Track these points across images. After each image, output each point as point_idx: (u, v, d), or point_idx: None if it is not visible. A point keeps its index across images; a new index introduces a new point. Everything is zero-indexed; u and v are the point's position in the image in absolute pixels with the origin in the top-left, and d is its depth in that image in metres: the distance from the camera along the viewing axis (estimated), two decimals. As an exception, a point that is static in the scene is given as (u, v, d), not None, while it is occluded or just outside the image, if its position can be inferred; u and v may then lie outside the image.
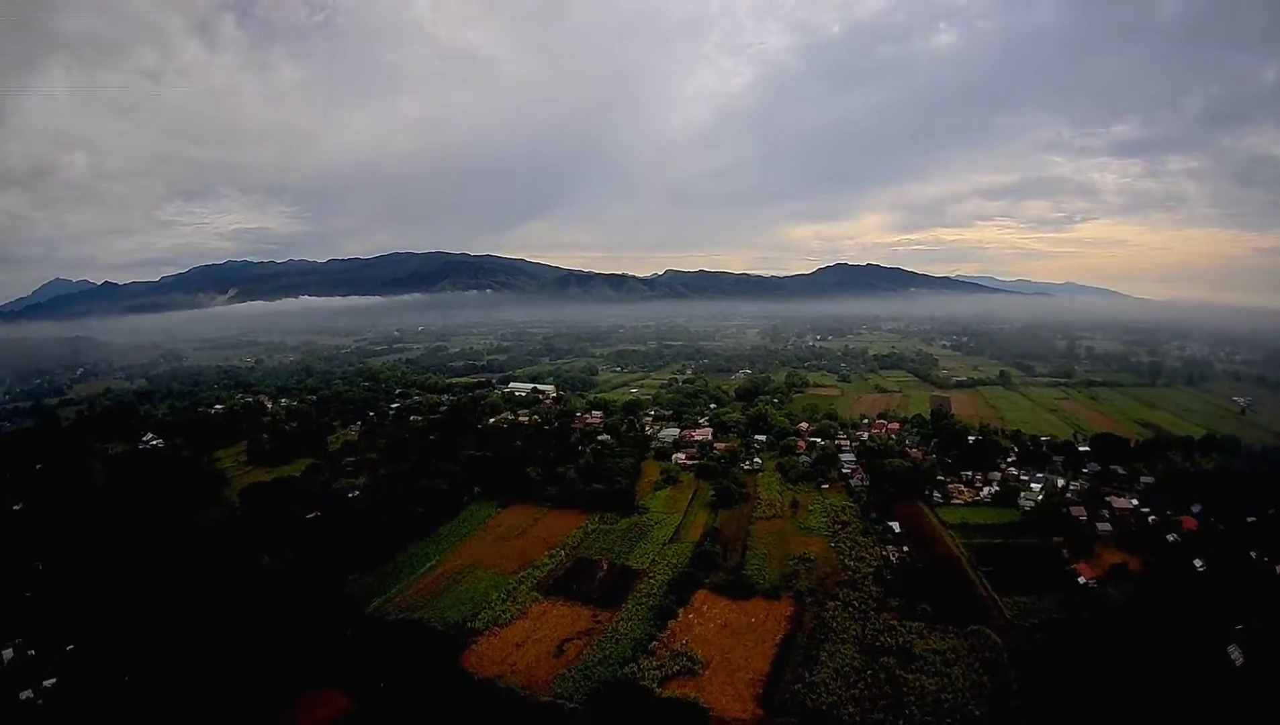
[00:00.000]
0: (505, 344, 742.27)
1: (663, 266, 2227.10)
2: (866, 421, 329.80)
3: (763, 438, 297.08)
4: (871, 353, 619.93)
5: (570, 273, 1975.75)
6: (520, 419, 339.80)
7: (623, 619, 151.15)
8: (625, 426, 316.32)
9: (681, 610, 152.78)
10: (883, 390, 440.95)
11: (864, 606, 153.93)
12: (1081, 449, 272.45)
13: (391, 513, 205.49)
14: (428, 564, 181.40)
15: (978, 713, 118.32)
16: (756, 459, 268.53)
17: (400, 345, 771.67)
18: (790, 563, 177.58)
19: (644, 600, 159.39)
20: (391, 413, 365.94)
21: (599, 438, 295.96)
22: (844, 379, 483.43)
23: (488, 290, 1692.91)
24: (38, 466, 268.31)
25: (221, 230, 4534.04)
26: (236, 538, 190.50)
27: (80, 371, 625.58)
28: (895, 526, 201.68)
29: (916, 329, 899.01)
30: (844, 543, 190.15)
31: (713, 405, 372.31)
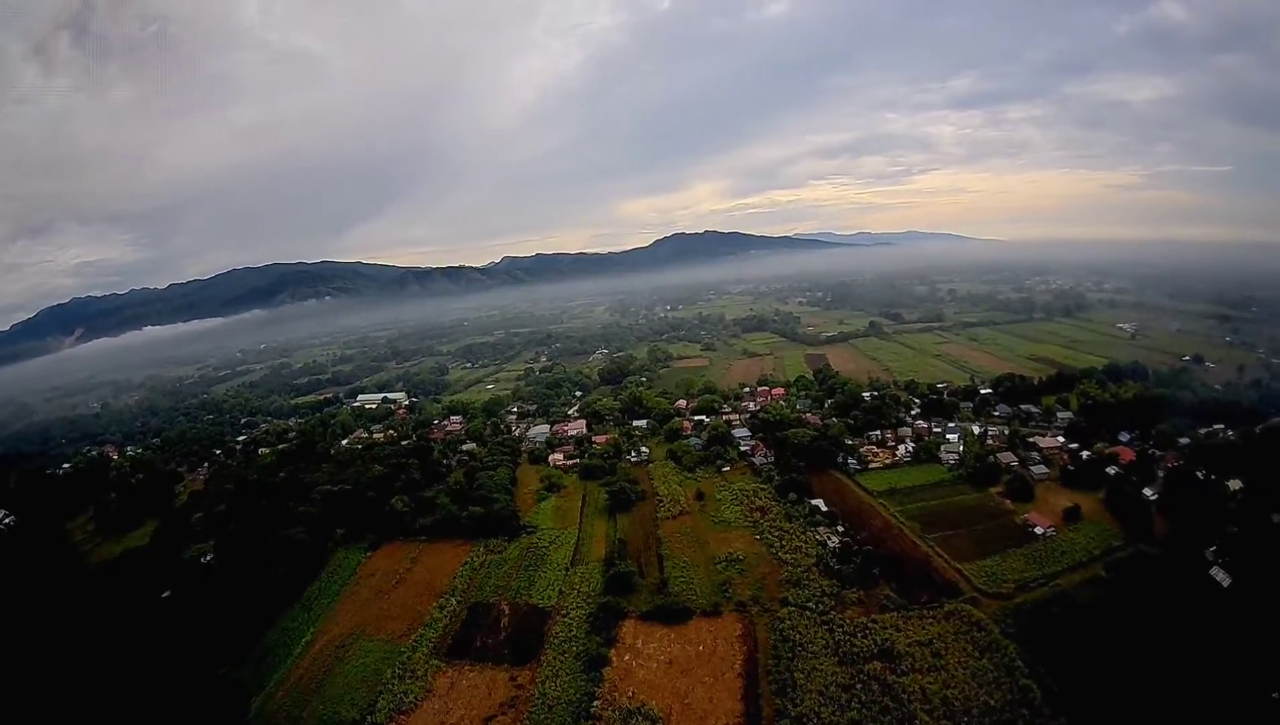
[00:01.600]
0: (349, 352, 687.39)
1: (499, 254, 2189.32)
2: (748, 390, 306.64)
3: (642, 423, 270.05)
4: (730, 317, 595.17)
5: (408, 271, 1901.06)
6: (375, 436, 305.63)
7: (547, 677, 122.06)
8: (489, 430, 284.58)
9: (613, 652, 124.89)
10: (752, 354, 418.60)
11: (820, 606, 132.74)
12: (984, 392, 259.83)
13: (251, 579, 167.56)
14: (303, 640, 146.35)
15: (993, 702, 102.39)
16: (643, 448, 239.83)
17: (244, 367, 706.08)
18: (718, 568, 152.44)
19: (565, 648, 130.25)
20: (239, 447, 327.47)
21: (464, 448, 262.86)
22: (709, 347, 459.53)
23: (326, 297, 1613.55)
24: None
25: (64, 266, 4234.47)
26: (91, 635, 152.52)
27: None
28: (820, 504, 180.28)
29: (768, 289, 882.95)
30: (769, 533, 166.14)
31: (578, 393, 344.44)
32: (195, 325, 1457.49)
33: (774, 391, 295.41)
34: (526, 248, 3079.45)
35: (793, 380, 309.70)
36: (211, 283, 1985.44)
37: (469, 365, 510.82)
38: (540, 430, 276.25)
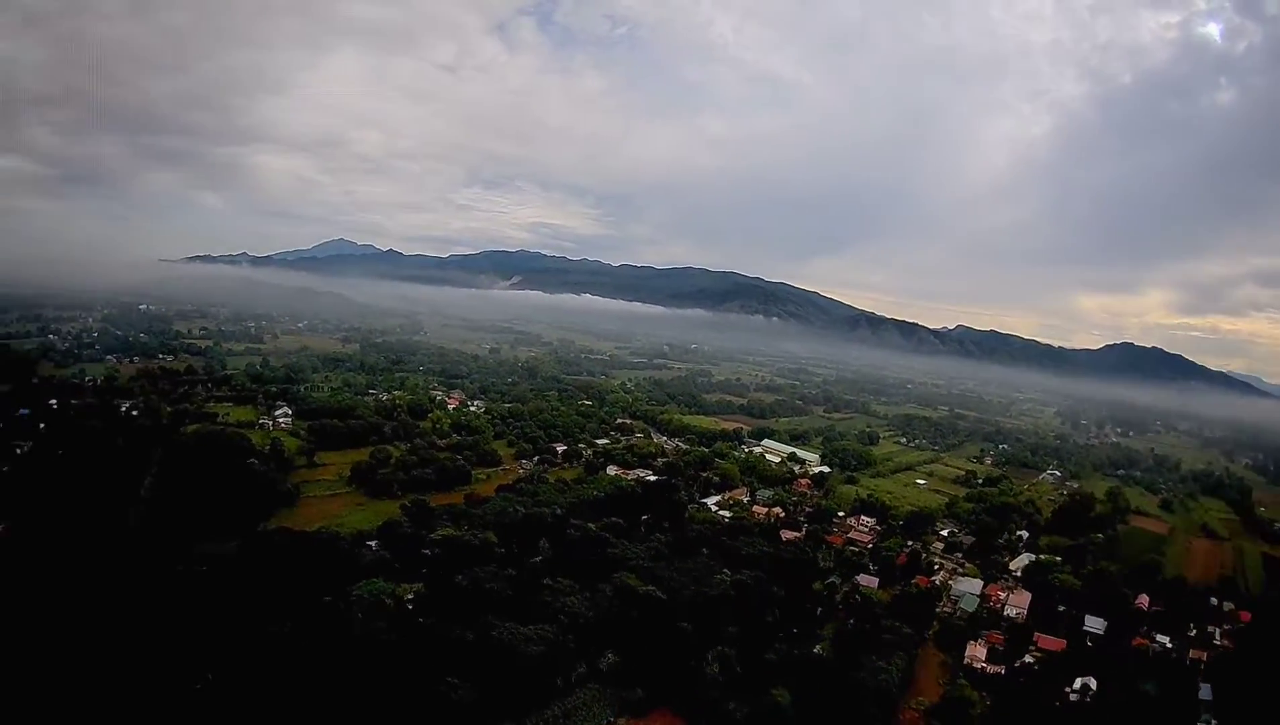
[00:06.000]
0: (778, 381, 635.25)
1: (954, 320, 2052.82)
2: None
3: (1100, 622, 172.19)
4: (1185, 467, 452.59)
5: (862, 314, 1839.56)
6: (756, 509, 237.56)
7: None
8: (902, 556, 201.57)
9: None
10: (1212, 534, 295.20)
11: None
12: None
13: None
14: None
15: None
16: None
17: (661, 361, 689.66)
18: None
19: None
20: (584, 454, 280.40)
21: (859, 586, 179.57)
22: (1166, 505, 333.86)
23: (775, 318, 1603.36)
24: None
25: (519, 221, 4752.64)
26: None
27: (303, 323, 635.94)
28: None
29: (1211, 436, 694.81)
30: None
31: (1024, 533, 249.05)
32: (636, 307, 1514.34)
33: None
34: (981, 321, 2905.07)
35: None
36: (664, 273, 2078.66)
37: (902, 441, 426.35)
38: (969, 587, 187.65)
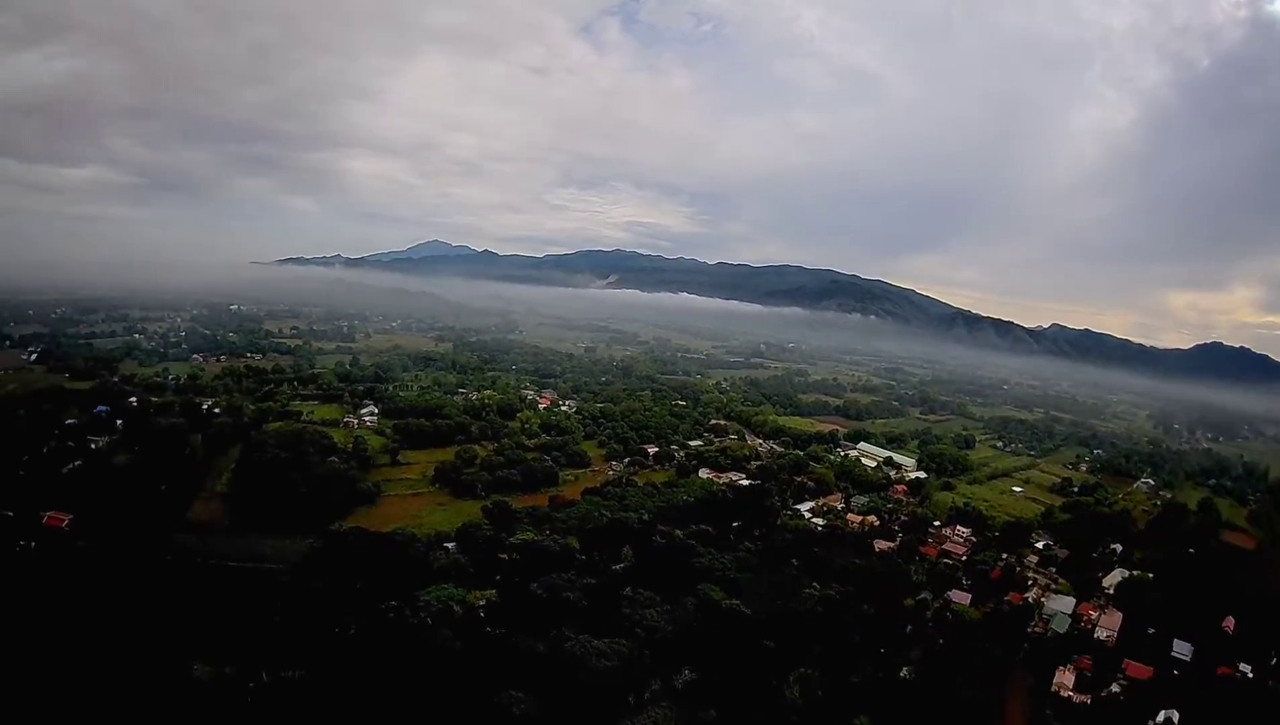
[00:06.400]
0: (875, 381, 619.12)
1: (1046, 318, 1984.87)
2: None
3: (1187, 647, 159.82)
4: (1272, 475, 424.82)
5: (958, 312, 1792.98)
6: (850, 516, 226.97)
7: None
8: (996, 571, 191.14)
9: None
10: None
11: None
12: None
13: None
14: None
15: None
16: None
17: (758, 360, 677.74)
18: None
19: None
20: (675, 454, 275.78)
21: (951, 602, 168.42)
22: (1255, 519, 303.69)
23: (872, 317, 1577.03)
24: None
25: (614, 220, 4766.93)
26: None
27: (396, 323, 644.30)
28: None
29: None
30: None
31: (1118, 546, 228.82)
32: (732, 305, 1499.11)
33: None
34: (1074, 319, 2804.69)
35: None
36: (760, 271, 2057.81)
37: (999, 444, 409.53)
38: (1061, 606, 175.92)
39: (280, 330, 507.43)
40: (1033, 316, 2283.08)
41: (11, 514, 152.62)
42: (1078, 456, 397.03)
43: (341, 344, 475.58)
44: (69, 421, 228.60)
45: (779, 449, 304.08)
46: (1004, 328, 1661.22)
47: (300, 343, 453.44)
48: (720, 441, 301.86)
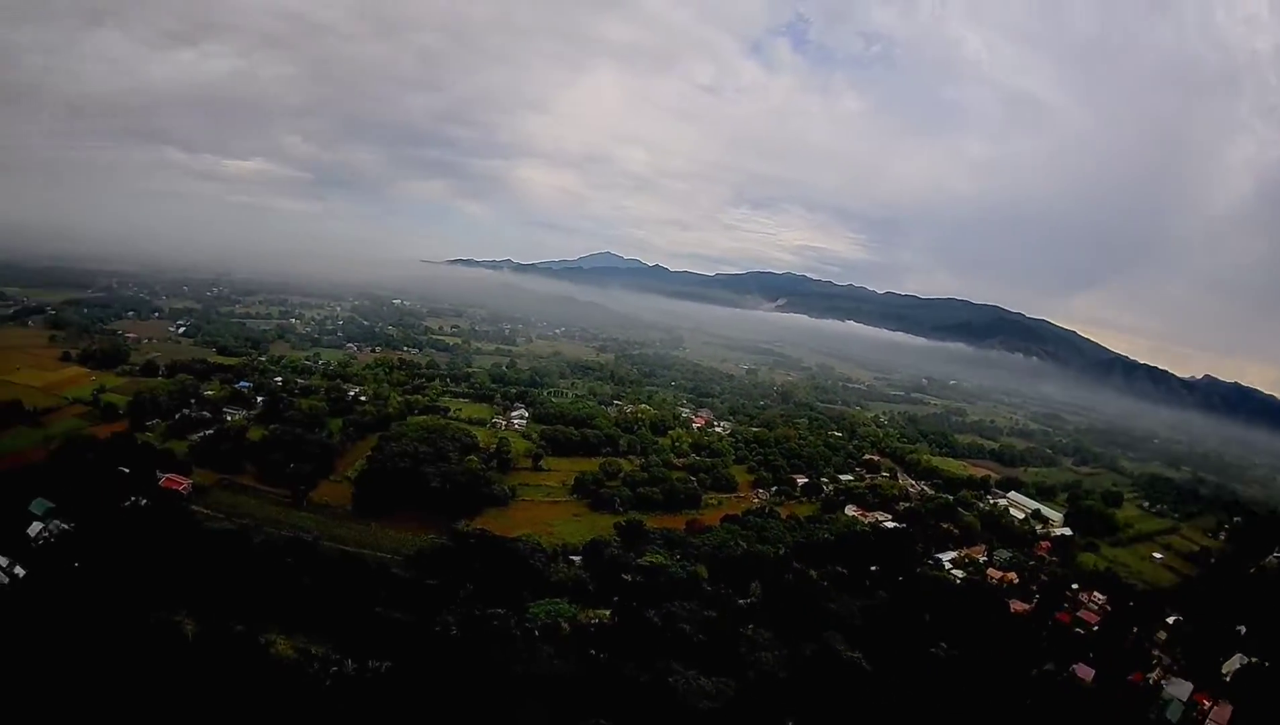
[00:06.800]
0: (1031, 426, 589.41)
1: (1200, 369, 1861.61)
2: None
3: None
4: None
5: (1117, 357, 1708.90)
6: (990, 573, 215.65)
7: None
8: (1127, 642, 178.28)
9: None
10: None
11: None
12: None
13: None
14: None
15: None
16: None
17: (919, 395, 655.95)
18: None
19: None
20: (824, 487, 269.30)
21: (1075, 675, 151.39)
22: None
23: (1034, 357, 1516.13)
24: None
25: (785, 243, 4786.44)
26: None
27: (560, 330, 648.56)
28: None
29: None
30: None
31: (1242, 628, 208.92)
32: (898, 336, 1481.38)
33: None
34: (1226, 371, 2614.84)
35: None
36: (927, 304, 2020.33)
37: (1145, 504, 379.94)
38: (1178, 691, 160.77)
39: (441, 328, 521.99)
40: (1186, 366, 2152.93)
41: (127, 471, 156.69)
42: (1219, 523, 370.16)
43: (501, 346, 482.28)
44: (206, 392, 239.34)
45: (929, 491, 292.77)
46: (1159, 376, 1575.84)
47: (460, 341, 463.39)
48: (871, 478, 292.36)
